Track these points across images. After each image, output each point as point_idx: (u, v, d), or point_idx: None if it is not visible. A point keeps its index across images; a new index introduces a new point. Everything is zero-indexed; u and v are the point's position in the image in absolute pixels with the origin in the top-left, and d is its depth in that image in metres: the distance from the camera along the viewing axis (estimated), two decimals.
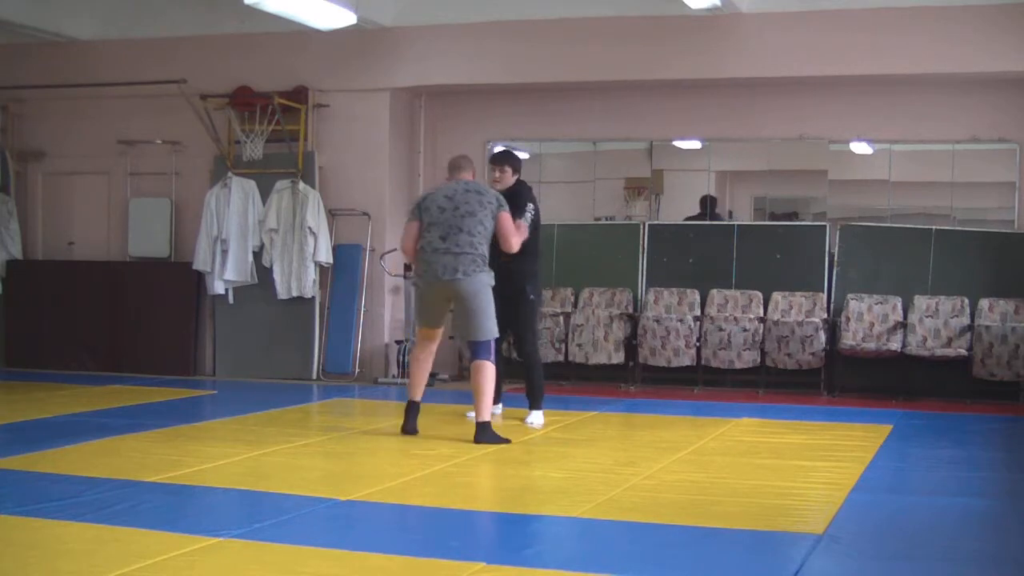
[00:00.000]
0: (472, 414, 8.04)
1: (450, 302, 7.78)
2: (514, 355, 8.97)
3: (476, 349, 7.71)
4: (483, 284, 7.64)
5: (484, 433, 7.57)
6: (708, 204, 11.40)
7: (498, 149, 8.97)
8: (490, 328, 7.66)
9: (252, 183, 11.51)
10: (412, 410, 7.88)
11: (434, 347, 8.02)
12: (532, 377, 8.52)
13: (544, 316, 11.03)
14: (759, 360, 10.60)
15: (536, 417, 8.44)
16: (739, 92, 11.09)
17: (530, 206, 8.33)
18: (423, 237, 7.69)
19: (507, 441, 7.55)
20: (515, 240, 7.81)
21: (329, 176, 11.58)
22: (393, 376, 11.23)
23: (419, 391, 7.93)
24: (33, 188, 12.59)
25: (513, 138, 11.89)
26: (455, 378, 11.44)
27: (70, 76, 12.02)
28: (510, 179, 8.44)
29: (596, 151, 11.79)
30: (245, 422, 8.59)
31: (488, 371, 7.66)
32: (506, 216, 7.75)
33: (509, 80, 11.29)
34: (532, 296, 8.46)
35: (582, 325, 10.95)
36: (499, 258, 7.91)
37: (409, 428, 7.83)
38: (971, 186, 11.00)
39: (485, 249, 7.67)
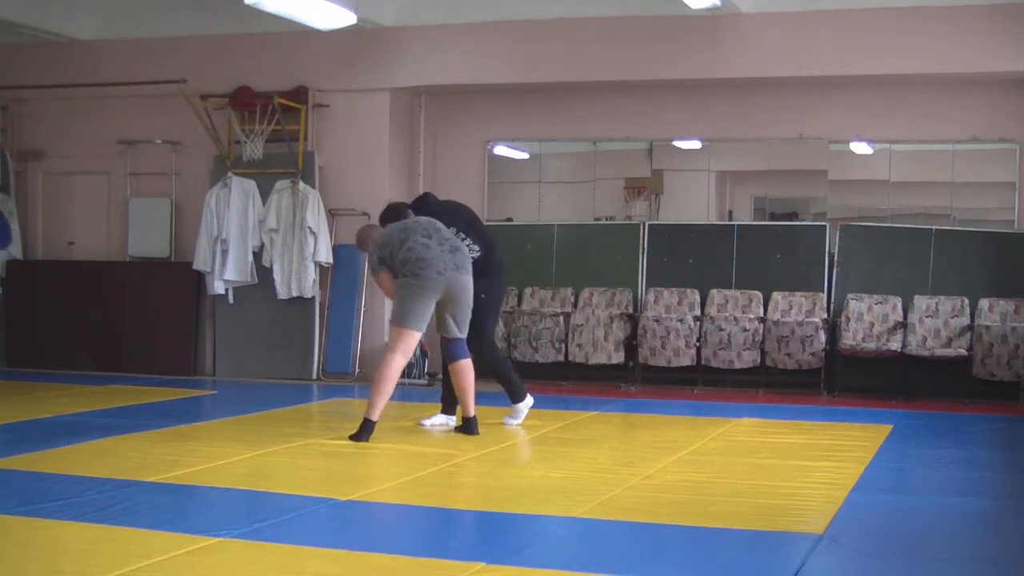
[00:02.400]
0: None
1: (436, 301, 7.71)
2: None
3: (458, 348, 7.85)
4: (471, 282, 7.83)
5: (474, 426, 7.88)
6: None
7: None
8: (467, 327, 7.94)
9: (252, 183, 11.50)
10: (371, 430, 7.62)
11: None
12: (502, 373, 8.33)
13: (544, 316, 11.03)
14: (759, 360, 10.60)
15: (516, 415, 8.33)
16: (739, 92, 11.09)
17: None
18: (403, 248, 7.65)
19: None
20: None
21: (329, 176, 11.58)
22: None
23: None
24: (33, 188, 12.59)
25: (513, 138, 11.91)
26: None
27: (70, 76, 12.03)
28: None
29: (596, 151, 11.79)
30: (245, 422, 8.59)
31: (471, 369, 7.91)
32: None
33: (509, 80, 11.29)
34: (482, 295, 8.16)
35: (582, 325, 10.95)
36: None
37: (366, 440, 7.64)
38: (971, 186, 11.00)
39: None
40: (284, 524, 5.32)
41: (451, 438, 7.83)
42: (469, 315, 7.84)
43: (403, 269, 7.63)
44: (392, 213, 8.13)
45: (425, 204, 8.38)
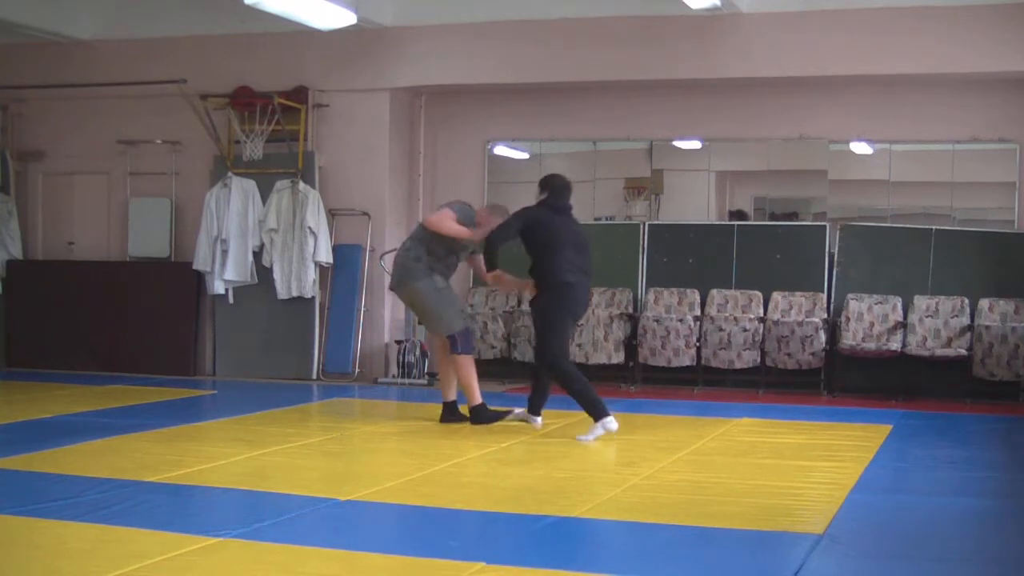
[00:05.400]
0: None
1: None
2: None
3: (452, 344, 8.28)
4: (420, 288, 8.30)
5: (481, 414, 8.27)
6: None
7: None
8: (451, 324, 8.29)
9: (252, 183, 11.51)
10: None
11: None
12: (539, 379, 8.25)
13: None
14: (759, 360, 10.60)
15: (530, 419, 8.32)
16: (739, 92, 11.08)
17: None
18: (450, 254, 8.36)
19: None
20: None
21: (329, 176, 11.58)
22: (393, 376, 11.22)
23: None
24: (33, 188, 12.59)
25: (513, 138, 11.91)
26: None
27: (70, 76, 12.03)
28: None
29: (596, 151, 11.79)
30: (245, 422, 8.59)
31: (464, 362, 8.28)
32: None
33: (509, 80, 11.29)
34: (542, 306, 8.03)
35: (582, 325, 10.93)
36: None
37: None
38: (971, 186, 11.01)
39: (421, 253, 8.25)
40: (284, 524, 5.32)
41: (451, 438, 7.82)
42: (442, 315, 8.30)
43: (438, 266, 8.27)
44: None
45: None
